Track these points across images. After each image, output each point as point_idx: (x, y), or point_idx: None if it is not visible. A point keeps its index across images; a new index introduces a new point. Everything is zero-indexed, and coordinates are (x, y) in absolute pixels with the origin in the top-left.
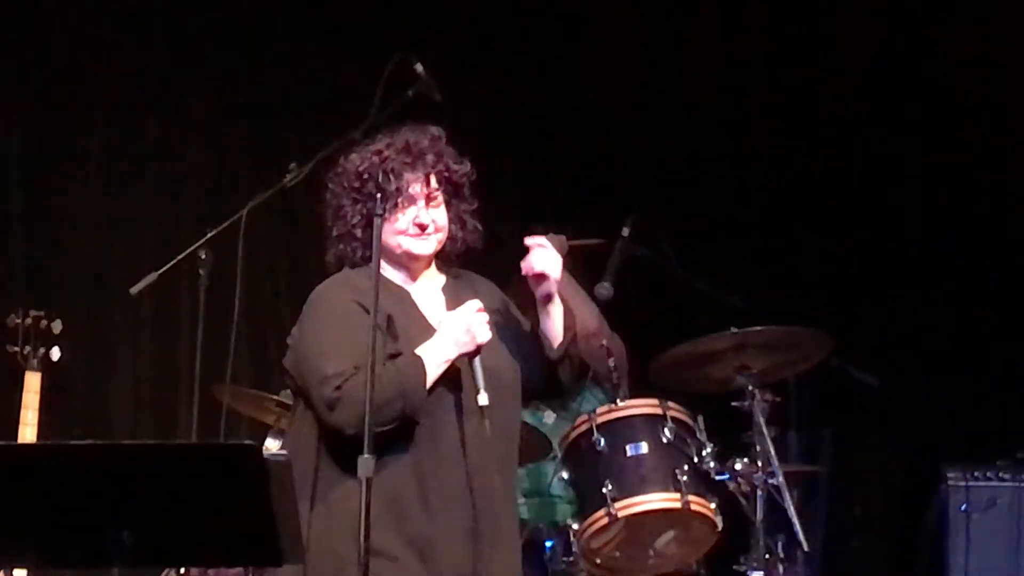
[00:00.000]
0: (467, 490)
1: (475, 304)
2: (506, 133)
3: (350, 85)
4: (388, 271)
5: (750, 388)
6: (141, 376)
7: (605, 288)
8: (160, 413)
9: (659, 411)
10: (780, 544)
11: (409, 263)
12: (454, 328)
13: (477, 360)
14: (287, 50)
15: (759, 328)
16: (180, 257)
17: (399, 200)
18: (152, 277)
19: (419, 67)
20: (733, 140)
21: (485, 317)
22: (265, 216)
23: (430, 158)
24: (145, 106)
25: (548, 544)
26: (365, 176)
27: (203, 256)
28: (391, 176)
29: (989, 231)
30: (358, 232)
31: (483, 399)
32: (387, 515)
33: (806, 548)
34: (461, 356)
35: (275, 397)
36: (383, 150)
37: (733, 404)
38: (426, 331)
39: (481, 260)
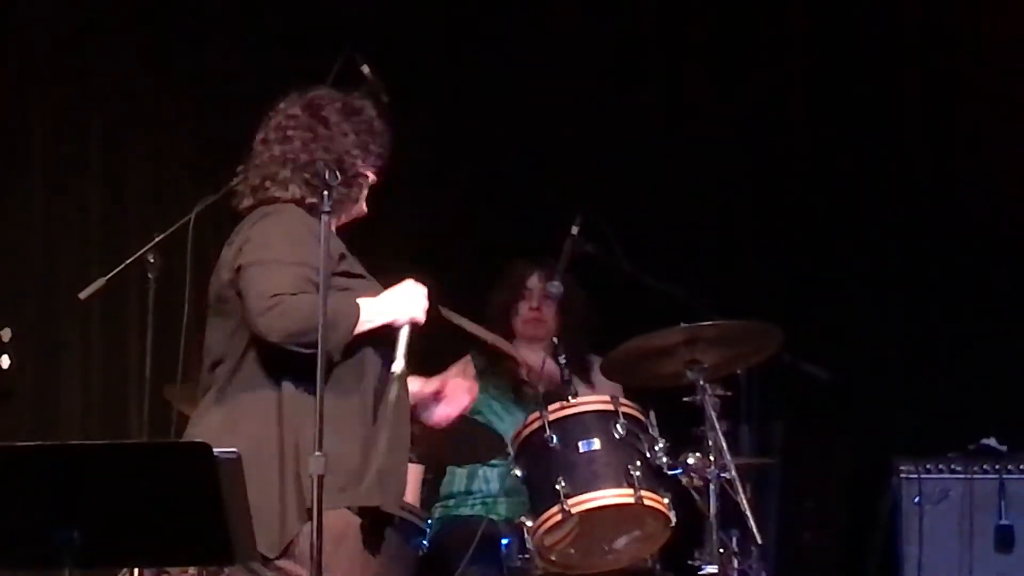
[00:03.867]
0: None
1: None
2: (453, 132)
3: (296, 86)
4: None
5: (701, 383)
6: (91, 380)
7: (555, 286)
8: (111, 416)
9: (611, 407)
10: (734, 538)
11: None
12: (403, 295)
13: (406, 329)
14: (232, 50)
15: (709, 323)
16: (128, 261)
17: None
18: (101, 282)
19: (365, 68)
20: (680, 136)
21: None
22: (213, 219)
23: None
24: (90, 110)
25: (504, 541)
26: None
27: (151, 260)
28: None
29: (937, 223)
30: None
31: (397, 366)
32: None
33: (760, 541)
34: (393, 325)
35: None
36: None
37: (684, 399)
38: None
39: (426, 256)
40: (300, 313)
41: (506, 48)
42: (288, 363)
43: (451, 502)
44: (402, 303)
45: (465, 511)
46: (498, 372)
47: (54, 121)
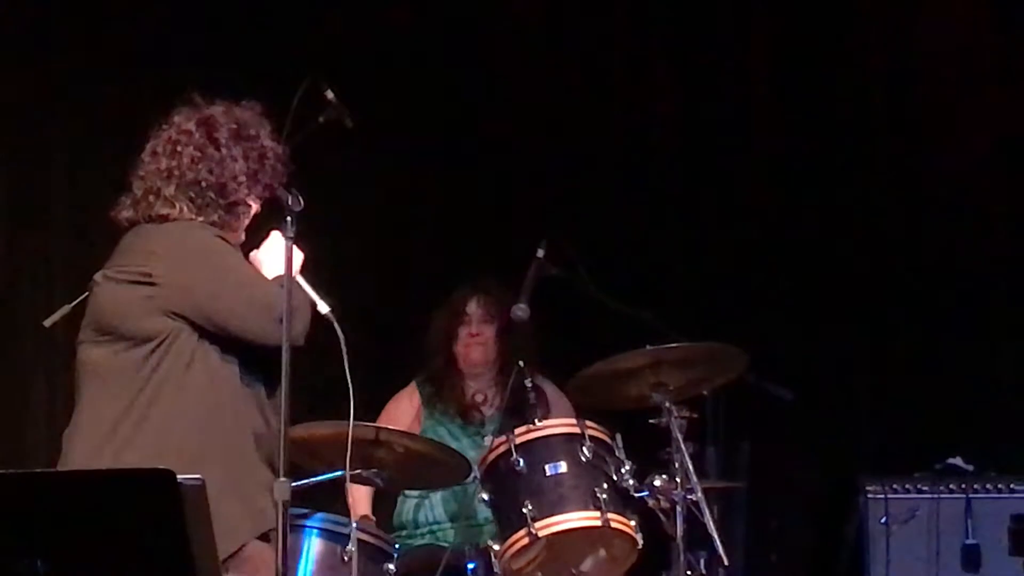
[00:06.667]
0: None
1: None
2: (418, 157)
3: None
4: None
5: (667, 405)
6: (56, 409)
7: (521, 309)
8: None
9: (577, 430)
10: (701, 560)
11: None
12: (277, 251)
13: (299, 277)
14: (196, 74)
15: (674, 345)
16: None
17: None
18: (66, 309)
19: (329, 93)
20: (644, 159)
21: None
22: None
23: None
24: (54, 134)
25: (470, 566)
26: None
27: None
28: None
29: (902, 244)
30: (241, 209)
31: (324, 307)
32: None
33: (727, 563)
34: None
35: None
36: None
37: (651, 421)
38: None
39: (394, 282)
40: (304, 306)
41: (472, 72)
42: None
43: (403, 532)
44: (282, 255)
45: (418, 541)
46: (445, 399)
47: (17, 145)
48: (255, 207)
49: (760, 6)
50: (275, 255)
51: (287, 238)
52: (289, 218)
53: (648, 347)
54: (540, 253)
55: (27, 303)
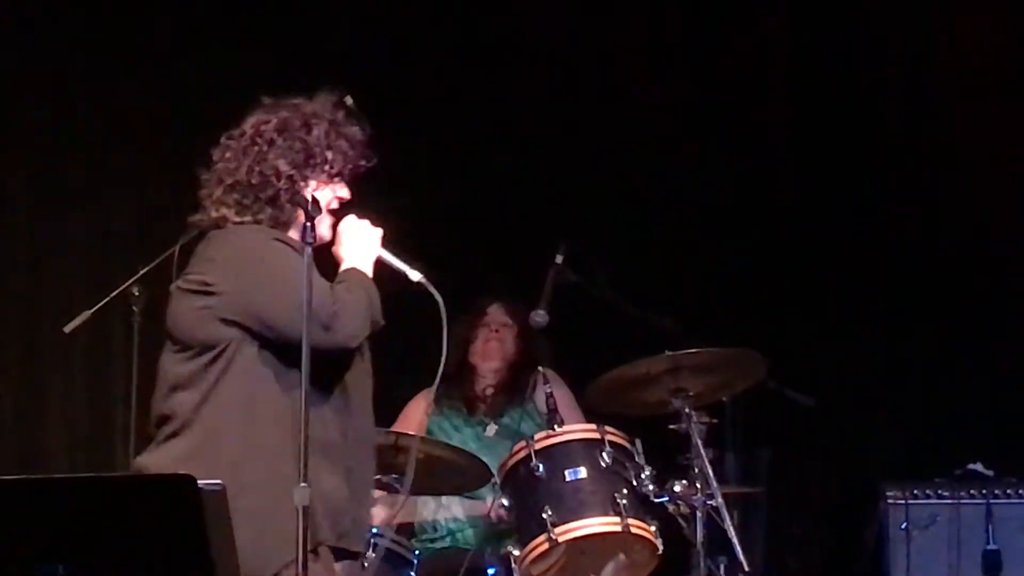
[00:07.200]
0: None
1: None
2: (437, 162)
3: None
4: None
5: (686, 410)
6: (76, 414)
7: (540, 315)
8: (96, 450)
9: (597, 436)
10: (721, 565)
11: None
12: (359, 233)
13: (383, 251)
14: (215, 82)
15: (693, 350)
16: (113, 295)
17: (333, 171)
18: (86, 315)
19: (349, 99)
20: (663, 166)
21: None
22: None
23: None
24: (73, 143)
25: (490, 571)
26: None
27: (136, 293)
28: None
29: (921, 249)
30: (285, 202)
31: (415, 275)
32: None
33: (747, 569)
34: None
35: None
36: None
37: (670, 427)
38: None
39: (410, 290)
40: (358, 304)
41: (490, 75)
42: (269, 383)
43: (423, 536)
44: (365, 236)
45: (439, 544)
46: (453, 393)
47: (38, 154)
48: (330, 196)
49: (777, 12)
50: (358, 238)
51: (306, 243)
52: (308, 224)
53: (668, 352)
54: (559, 259)
55: (47, 307)
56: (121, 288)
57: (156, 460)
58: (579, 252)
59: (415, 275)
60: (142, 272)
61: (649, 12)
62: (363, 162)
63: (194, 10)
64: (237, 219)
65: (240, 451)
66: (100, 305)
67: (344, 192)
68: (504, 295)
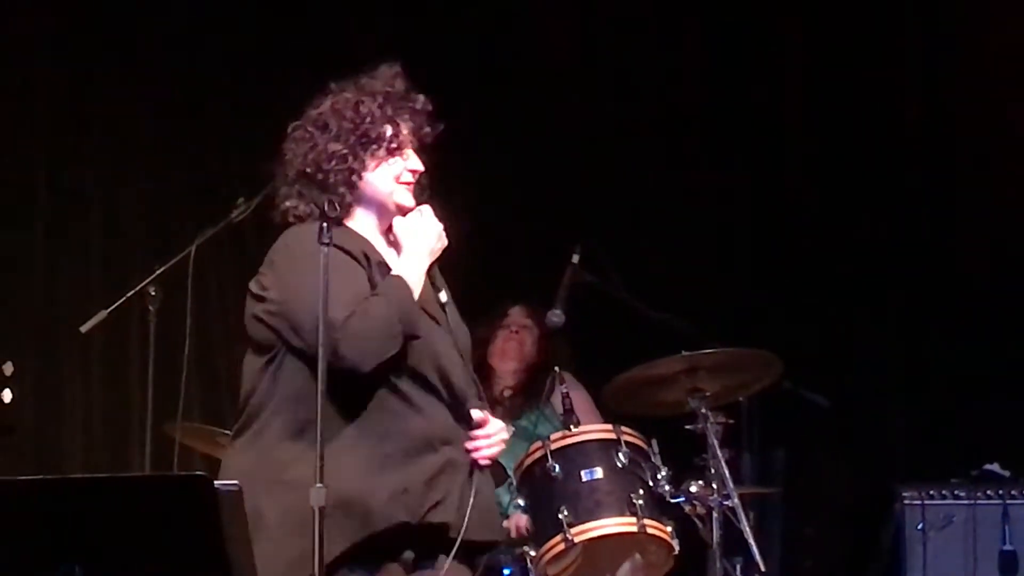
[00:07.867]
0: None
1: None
2: (452, 160)
3: (297, 117)
4: (362, 222)
5: (703, 411)
6: (93, 414)
7: (556, 315)
8: (112, 451)
9: (613, 436)
10: (737, 566)
11: (392, 215)
12: (427, 235)
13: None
14: (230, 84)
15: (709, 351)
16: (129, 295)
17: (392, 145)
18: (102, 315)
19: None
20: (679, 165)
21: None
22: (214, 252)
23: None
24: (89, 144)
25: (506, 571)
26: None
27: (152, 293)
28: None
29: (937, 250)
30: (340, 185)
31: (444, 295)
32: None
33: (763, 569)
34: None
35: (227, 432)
36: (383, 95)
37: (686, 427)
38: None
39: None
40: (375, 328)
41: (508, 77)
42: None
43: None
44: (431, 239)
45: None
46: None
47: (55, 155)
48: (400, 169)
49: (793, 10)
50: (421, 244)
51: (322, 243)
52: (324, 224)
53: (684, 353)
54: (575, 259)
55: (64, 307)
56: (137, 288)
57: (225, 459)
58: (595, 252)
59: (445, 294)
60: (158, 272)
61: (667, 16)
62: (426, 130)
63: (212, 10)
64: (301, 211)
65: (289, 452)
66: (116, 305)
67: (415, 163)
68: (525, 297)
